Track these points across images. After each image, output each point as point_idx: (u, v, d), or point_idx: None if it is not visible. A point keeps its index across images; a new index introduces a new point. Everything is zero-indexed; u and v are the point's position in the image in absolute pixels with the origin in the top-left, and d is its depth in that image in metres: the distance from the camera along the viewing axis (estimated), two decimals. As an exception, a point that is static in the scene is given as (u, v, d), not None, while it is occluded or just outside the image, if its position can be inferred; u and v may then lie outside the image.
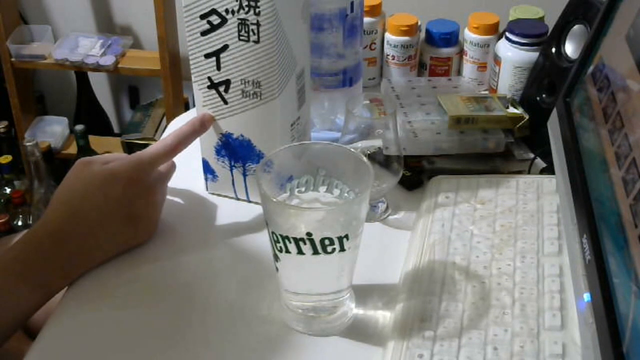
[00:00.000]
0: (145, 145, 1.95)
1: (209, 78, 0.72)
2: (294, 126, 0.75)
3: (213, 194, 0.81)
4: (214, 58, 0.70)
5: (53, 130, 2.04)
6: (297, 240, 0.56)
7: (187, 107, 1.99)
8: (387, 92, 0.93)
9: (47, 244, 0.65)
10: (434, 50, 0.98)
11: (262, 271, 0.69)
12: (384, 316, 0.64)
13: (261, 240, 0.63)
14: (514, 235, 0.70)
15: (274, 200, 0.57)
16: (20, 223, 1.81)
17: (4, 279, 0.64)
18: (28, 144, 1.74)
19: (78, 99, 2.16)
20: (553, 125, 0.73)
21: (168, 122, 1.33)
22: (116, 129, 2.26)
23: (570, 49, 0.84)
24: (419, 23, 0.97)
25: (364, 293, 0.66)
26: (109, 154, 0.75)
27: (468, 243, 0.70)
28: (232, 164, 0.77)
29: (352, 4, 0.81)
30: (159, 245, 0.72)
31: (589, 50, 0.69)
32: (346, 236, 0.57)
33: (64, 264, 0.66)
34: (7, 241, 0.84)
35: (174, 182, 0.76)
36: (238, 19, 0.67)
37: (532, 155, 0.83)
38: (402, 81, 0.96)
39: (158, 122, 2.06)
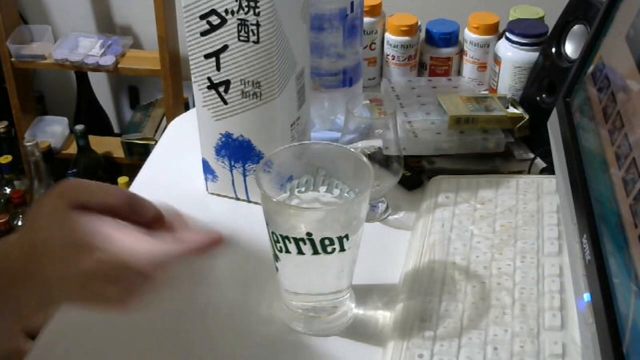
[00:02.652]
0: (145, 145, 1.97)
1: (209, 78, 0.72)
2: (294, 126, 0.75)
3: (213, 194, 0.81)
4: (213, 58, 0.70)
5: (53, 130, 2.04)
6: (297, 240, 0.56)
7: (187, 107, 1.99)
8: (387, 92, 0.93)
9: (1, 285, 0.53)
10: (434, 50, 0.98)
11: (262, 271, 0.69)
12: (384, 316, 0.64)
13: (261, 240, 0.62)
14: (514, 235, 0.70)
15: (274, 200, 0.57)
16: (20, 223, 1.80)
17: None
18: (28, 144, 1.74)
19: (78, 99, 2.16)
20: (553, 125, 0.73)
21: (168, 122, 1.33)
22: (116, 129, 2.26)
23: (570, 49, 0.84)
24: (419, 23, 0.97)
25: (364, 293, 0.66)
26: (96, 184, 0.54)
27: (468, 243, 0.70)
28: (232, 164, 0.77)
29: (352, 4, 0.81)
30: (159, 246, 0.72)
31: (589, 50, 0.69)
32: (346, 236, 0.57)
33: (15, 308, 0.53)
34: (6, 242, 0.83)
35: (174, 182, 0.76)
36: (238, 19, 0.67)
37: (532, 155, 0.83)
38: (402, 81, 0.96)
39: (158, 122, 2.06)
